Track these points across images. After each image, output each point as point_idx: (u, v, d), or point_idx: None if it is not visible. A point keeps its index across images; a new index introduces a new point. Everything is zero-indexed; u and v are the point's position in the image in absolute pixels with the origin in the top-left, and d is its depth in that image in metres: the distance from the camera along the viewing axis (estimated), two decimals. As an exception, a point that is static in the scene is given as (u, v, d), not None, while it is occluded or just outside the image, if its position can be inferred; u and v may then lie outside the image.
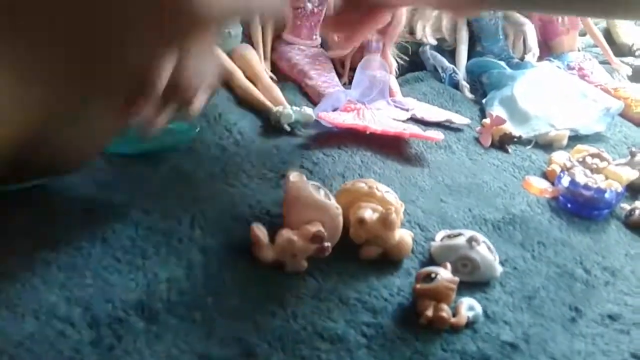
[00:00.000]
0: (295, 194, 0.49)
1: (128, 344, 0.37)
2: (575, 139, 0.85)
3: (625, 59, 1.17)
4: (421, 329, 0.45)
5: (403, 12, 0.91)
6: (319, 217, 0.48)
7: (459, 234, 0.53)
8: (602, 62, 1.10)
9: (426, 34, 1.03)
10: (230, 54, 0.85)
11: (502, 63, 1.00)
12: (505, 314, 0.48)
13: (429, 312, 0.45)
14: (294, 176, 0.51)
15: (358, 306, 0.46)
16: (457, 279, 0.47)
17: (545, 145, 0.83)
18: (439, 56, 1.02)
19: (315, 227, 0.47)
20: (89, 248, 0.43)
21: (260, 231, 0.48)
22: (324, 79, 0.87)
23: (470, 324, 0.46)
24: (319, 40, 0.97)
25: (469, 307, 0.47)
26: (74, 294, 0.39)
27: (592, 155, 0.72)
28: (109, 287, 0.40)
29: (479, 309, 0.47)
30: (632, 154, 0.73)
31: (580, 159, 0.72)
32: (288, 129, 0.71)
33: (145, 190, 0.53)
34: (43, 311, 0.37)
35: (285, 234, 0.47)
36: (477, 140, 0.82)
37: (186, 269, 0.45)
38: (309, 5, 0.92)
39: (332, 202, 0.49)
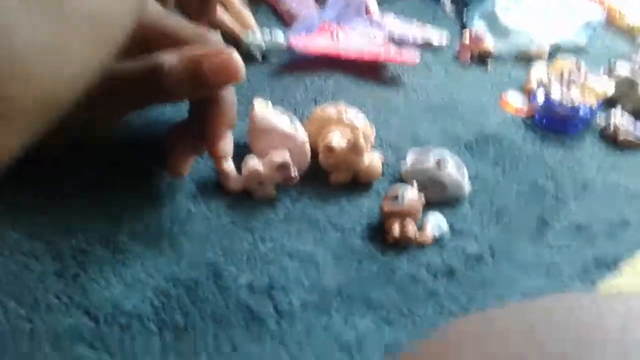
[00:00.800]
0: (259, 123, 0.48)
1: (94, 272, 0.38)
2: (557, 52, 0.83)
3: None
4: (388, 246, 0.46)
5: None
6: (285, 146, 0.48)
7: (428, 153, 0.53)
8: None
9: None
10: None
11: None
12: (472, 229, 0.49)
13: (395, 230, 0.46)
14: (258, 104, 0.50)
15: (327, 227, 0.47)
16: (422, 198, 0.48)
17: (526, 60, 0.81)
18: (419, -28, 0.97)
19: (281, 157, 0.47)
20: (50, 189, 0.44)
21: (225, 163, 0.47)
22: (299, 0, 0.83)
23: (437, 240, 0.47)
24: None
25: (435, 224, 0.48)
26: (36, 231, 0.39)
27: (570, 70, 0.71)
28: (71, 223, 0.41)
29: (445, 226, 0.48)
30: (611, 67, 0.72)
31: (558, 74, 0.70)
32: (260, 58, 0.69)
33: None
34: (7, 248, 0.38)
35: (251, 162, 0.47)
36: (456, 58, 0.80)
37: (152, 202, 0.45)
38: None
39: (298, 130, 0.49)
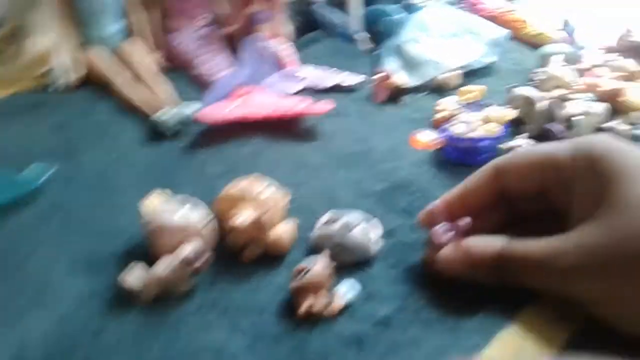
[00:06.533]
0: (154, 224, 0.50)
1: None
2: (470, 75, 0.85)
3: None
4: (302, 321, 0.48)
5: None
6: (184, 238, 0.49)
7: (336, 219, 0.55)
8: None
9: (315, -11, 1.01)
10: (114, 54, 0.83)
11: (398, 7, 0.98)
12: (382, 290, 0.51)
13: (304, 306, 0.48)
14: (147, 204, 0.51)
15: (241, 310, 0.49)
16: (328, 269, 0.50)
17: (440, 89, 0.83)
18: (330, 11, 1.00)
19: (183, 253, 0.48)
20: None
21: (130, 280, 0.48)
22: (213, 63, 0.85)
23: (348, 308, 0.49)
24: (207, 18, 0.94)
25: (345, 291, 0.50)
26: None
27: (475, 97, 0.73)
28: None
29: (355, 290, 0.50)
30: (509, 92, 0.75)
31: (464, 103, 0.73)
32: (169, 134, 0.70)
33: (17, 236, 0.54)
34: None
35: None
36: (371, 99, 0.83)
37: (58, 318, 0.46)
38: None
39: (192, 219, 0.51)
